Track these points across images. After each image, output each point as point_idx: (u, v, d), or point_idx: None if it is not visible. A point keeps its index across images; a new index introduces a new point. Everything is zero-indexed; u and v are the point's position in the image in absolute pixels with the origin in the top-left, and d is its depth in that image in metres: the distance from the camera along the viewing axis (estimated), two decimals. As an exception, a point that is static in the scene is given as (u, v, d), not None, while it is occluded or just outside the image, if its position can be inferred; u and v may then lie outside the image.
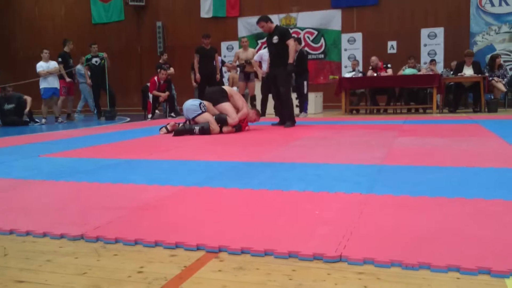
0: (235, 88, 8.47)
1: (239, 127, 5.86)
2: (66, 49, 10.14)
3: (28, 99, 9.20)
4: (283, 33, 6.60)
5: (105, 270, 1.42)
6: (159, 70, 9.77)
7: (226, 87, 6.25)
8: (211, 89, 6.41)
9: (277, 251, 1.48)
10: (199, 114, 5.63)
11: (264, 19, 6.60)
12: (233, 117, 5.68)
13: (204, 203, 2.20)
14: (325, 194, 2.28)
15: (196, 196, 2.36)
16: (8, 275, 1.41)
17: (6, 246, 1.68)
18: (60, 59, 9.72)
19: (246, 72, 9.38)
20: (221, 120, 5.65)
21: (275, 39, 6.52)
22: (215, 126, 5.56)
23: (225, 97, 5.86)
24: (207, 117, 5.61)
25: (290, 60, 6.47)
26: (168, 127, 5.86)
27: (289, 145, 4.33)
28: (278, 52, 6.56)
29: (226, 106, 5.76)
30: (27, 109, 9.14)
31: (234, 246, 1.53)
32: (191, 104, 5.72)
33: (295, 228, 1.73)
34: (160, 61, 10.67)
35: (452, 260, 1.35)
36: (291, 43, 6.47)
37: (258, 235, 1.65)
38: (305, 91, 8.94)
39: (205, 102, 5.78)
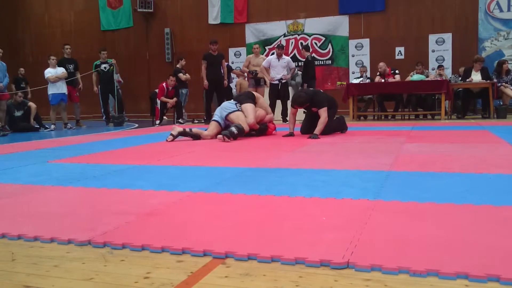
0: None
1: (265, 128, 6.05)
2: (65, 55, 10.03)
3: (32, 105, 9.26)
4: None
5: (112, 276, 1.42)
6: (170, 76, 9.78)
7: (254, 92, 6.47)
8: (240, 93, 6.72)
9: (284, 257, 1.47)
10: (233, 111, 5.79)
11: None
12: (250, 118, 5.76)
13: (211, 209, 2.19)
14: (332, 200, 2.27)
15: (203, 202, 2.37)
16: (15, 280, 1.42)
17: (14, 251, 1.69)
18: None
19: (257, 78, 9.39)
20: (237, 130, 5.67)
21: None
22: (246, 126, 5.68)
23: (251, 98, 6.02)
24: (241, 116, 5.74)
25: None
26: (173, 132, 5.70)
27: (296, 151, 4.32)
28: None
29: (247, 107, 5.86)
30: (32, 117, 9.20)
31: (241, 252, 1.53)
32: (228, 102, 6.03)
33: (302, 234, 1.72)
34: (178, 65, 10.67)
35: (460, 267, 1.33)
36: None
37: (265, 241, 1.65)
38: None
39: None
